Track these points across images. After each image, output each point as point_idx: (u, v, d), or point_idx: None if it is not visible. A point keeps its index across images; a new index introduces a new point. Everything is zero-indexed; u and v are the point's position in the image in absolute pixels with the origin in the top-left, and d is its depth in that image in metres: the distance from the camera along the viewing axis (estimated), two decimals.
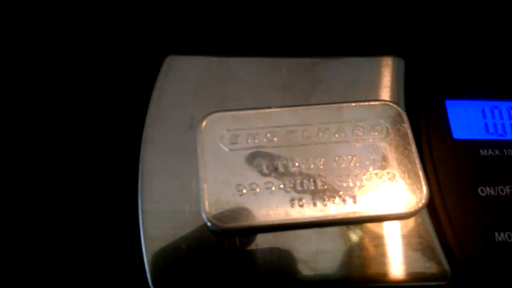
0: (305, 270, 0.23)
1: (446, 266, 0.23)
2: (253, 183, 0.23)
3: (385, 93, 0.28)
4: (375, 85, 0.28)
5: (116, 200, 0.25)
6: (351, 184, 0.23)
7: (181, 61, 0.27)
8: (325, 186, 0.23)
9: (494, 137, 0.28)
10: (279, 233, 0.23)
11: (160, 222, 0.23)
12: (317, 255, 0.23)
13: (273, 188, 0.23)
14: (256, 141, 0.24)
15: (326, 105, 0.26)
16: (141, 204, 0.23)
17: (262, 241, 0.23)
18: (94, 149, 0.27)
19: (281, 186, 0.23)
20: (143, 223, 0.23)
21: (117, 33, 0.31)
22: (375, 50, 0.31)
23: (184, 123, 0.25)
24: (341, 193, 0.23)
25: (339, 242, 0.23)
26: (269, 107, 0.25)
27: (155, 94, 0.26)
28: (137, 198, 0.24)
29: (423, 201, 0.23)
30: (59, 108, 0.28)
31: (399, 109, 0.26)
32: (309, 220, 0.22)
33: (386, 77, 0.29)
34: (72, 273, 0.24)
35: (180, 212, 0.23)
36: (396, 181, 0.24)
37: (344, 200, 0.23)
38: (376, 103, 0.26)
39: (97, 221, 0.25)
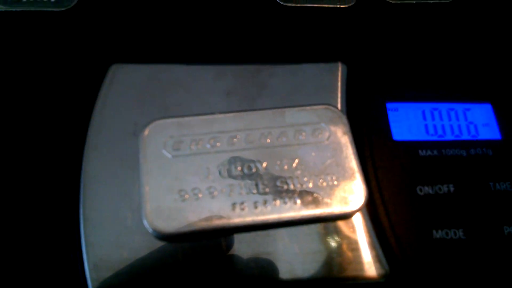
0: (247, 272, 0.23)
1: (385, 264, 0.24)
2: (196, 188, 0.23)
3: (327, 98, 0.29)
4: (318, 90, 0.29)
5: (58, 207, 0.25)
6: (291, 187, 0.24)
7: (125, 69, 0.28)
8: (267, 189, 0.24)
9: (434, 138, 0.29)
10: (220, 237, 0.23)
11: (102, 229, 0.23)
12: (258, 257, 0.23)
13: (215, 193, 0.23)
14: (199, 146, 0.24)
15: (268, 110, 0.26)
16: (83, 211, 0.23)
17: (204, 246, 0.23)
18: (36, 155, 0.27)
19: (223, 190, 0.23)
20: (84, 230, 0.23)
21: (61, 42, 0.31)
22: (318, 56, 0.31)
23: (127, 130, 0.26)
24: (282, 195, 0.24)
25: (280, 243, 0.24)
26: (213, 113, 0.26)
27: (99, 102, 0.26)
28: (79, 205, 0.23)
29: (362, 200, 0.24)
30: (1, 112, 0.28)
31: (339, 112, 0.27)
32: (250, 223, 0.23)
33: (328, 82, 0.29)
34: (13, 282, 0.23)
35: (122, 219, 0.23)
36: (336, 182, 0.24)
37: (285, 202, 0.23)
38: (317, 107, 0.27)
39: (38, 228, 0.25)
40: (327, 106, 0.27)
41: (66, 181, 0.25)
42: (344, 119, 0.27)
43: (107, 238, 0.23)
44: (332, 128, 0.26)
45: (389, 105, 0.29)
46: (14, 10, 0.33)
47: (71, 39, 0.32)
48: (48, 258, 0.24)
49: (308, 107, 0.27)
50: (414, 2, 0.36)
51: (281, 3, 0.34)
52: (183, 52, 0.31)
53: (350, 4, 0.35)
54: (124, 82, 0.27)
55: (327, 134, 0.26)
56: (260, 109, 0.26)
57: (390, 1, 0.36)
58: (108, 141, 0.25)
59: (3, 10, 0.33)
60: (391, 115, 0.29)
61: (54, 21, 0.33)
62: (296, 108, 0.27)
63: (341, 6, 0.35)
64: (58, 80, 0.29)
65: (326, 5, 0.35)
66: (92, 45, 0.31)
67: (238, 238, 0.24)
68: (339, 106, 0.28)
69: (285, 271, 0.23)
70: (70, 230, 0.24)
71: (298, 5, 0.35)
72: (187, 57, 0.30)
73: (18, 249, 0.24)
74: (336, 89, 0.29)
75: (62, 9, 0.33)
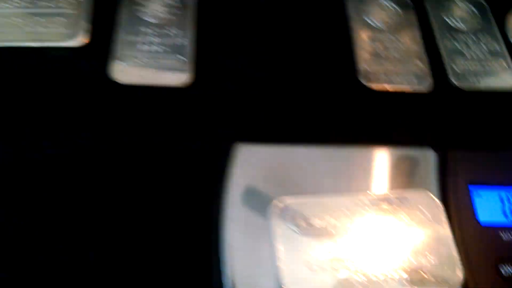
0: None
1: None
2: (322, 262, 0.28)
3: (421, 182, 0.33)
4: (411, 174, 0.33)
5: (201, 274, 0.29)
6: (401, 270, 0.28)
7: (251, 149, 0.32)
8: (379, 270, 0.28)
9: None
10: None
11: None
12: None
13: (339, 268, 0.28)
14: (324, 224, 0.29)
15: (376, 194, 0.31)
16: (227, 272, 0.28)
17: None
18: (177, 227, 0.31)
19: (346, 266, 0.28)
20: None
21: (189, 122, 0.36)
22: (410, 141, 0.36)
23: (258, 206, 0.30)
24: (391, 275, 0.28)
25: None
26: (332, 194, 0.30)
27: (234, 178, 0.31)
28: (220, 272, 0.28)
29: (460, 279, 0.28)
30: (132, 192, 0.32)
31: (434, 197, 0.31)
32: None
33: (419, 166, 0.34)
34: None
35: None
36: (435, 265, 0.29)
37: (393, 279, 0.28)
38: (415, 192, 0.31)
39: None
40: (424, 191, 0.31)
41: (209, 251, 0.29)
42: (439, 203, 0.31)
43: None
44: (429, 212, 0.30)
45: (474, 190, 0.33)
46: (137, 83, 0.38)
47: (192, 116, 0.37)
48: None
49: (406, 193, 0.31)
50: (485, 90, 0.41)
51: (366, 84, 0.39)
52: (298, 134, 0.35)
53: (429, 90, 0.40)
54: (251, 161, 0.32)
55: (425, 218, 0.30)
56: (368, 192, 0.31)
57: (464, 89, 0.40)
58: (244, 214, 0.30)
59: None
60: (476, 200, 0.33)
61: (175, 96, 0.38)
62: (396, 193, 0.31)
63: (420, 92, 0.40)
64: (186, 156, 0.34)
65: (406, 90, 0.40)
66: (217, 125, 0.35)
67: None
68: (431, 190, 0.32)
69: None
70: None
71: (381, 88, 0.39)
72: (301, 138, 0.35)
73: None
74: (425, 173, 0.33)
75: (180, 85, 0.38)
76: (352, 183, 0.32)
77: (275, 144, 0.33)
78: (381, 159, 0.34)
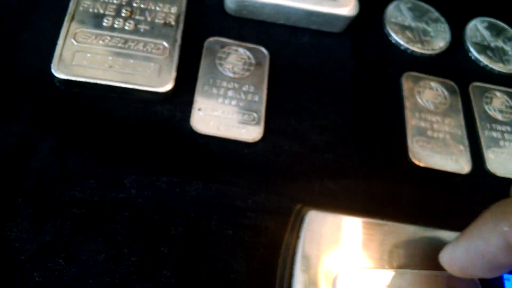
0: None
1: None
2: None
3: None
4: None
5: None
6: None
7: (319, 216, 0.36)
8: None
9: None
10: None
11: None
12: None
13: None
14: None
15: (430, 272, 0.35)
16: None
17: None
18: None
19: None
20: None
21: (256, 177, 0.39)
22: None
23: (325, 274, 0.33)
24: None
25: None
26: (397, 268, 0.34)
27: (302, 242, 0.34)
28: None
29: None
30: None
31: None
32: None
33: None
34: None
35: None
36: None
37: None
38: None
39: None
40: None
41: None
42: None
43: None
44: None
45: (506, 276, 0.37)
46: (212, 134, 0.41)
47: (259, 172, 0.40)
48: None
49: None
50: None
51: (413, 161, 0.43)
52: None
53: (468, 172, 0.44)
54: (318, 228, 0.35)
55: None
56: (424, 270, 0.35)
57: (497, 175, 0.45)
58: (313, 278, 0.33)
59: None
60: (507, 284, 0.37)
61: (245, 150, 0.41)
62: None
63: (460, 173, 0.44)
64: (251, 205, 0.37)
65: (448, 170, 0.44)
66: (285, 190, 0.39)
67: None
68: None
69: None
70: None
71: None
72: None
73: None
74: None
75: (249, 139, 0.41)
76: (416, 260, 0.35)
77: (342, 213, 0.36)
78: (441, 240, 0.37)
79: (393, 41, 0.50)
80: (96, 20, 0.41)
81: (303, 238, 0.34)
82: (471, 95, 0.48)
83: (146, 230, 0.35)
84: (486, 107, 0.48)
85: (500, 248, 0.28)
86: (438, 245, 0.36)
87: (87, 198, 0.35)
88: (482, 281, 0.37)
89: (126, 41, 0.40)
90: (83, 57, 0.39)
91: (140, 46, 0.40)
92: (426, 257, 0.36)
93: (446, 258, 0.32)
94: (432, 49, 0.50)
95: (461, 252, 0.31)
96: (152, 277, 0.33)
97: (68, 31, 0.39)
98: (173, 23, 0.42)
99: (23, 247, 0.33)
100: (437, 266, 0.36)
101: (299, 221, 0.36)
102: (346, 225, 0.36)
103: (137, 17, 0.42)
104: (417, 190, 0.41)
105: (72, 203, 0.34)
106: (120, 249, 0.34)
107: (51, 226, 0.34)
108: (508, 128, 0.47)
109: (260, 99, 0.42)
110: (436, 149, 0.44)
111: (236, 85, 0.42)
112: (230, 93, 0.42)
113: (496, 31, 0.53)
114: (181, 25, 0.42)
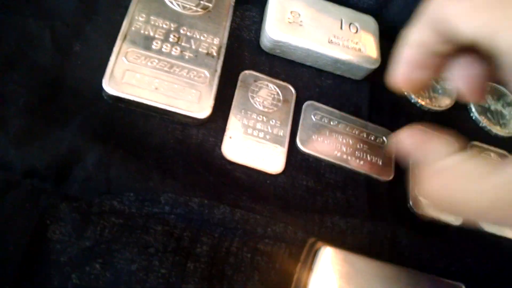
0: None
1: None
2: None
3: None
4: None
5: None
6: None
7: (332, 253, 0.40)
8: None
9: None
10: None
11: None
12: None
13: None
14: None
15: None
16: None
17: None
18: None
19: None
20: None
21: (277, 208, 0.43)
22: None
23: None
24: None
25: None
26: None
27: (314, 277, 0.38)
28: None
29: None
30: None
31: None
32: None
33: None
34: None
35: None
36: None
37: None
38: None
39: None
40: None
41: None
42: None
43: None
44: None
45: None
46: (240, 163, 0.44)
47: (279, 203, 0.44)
48: None
49: None
50: None
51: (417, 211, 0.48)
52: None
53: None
54: (331, 265, 0.39)
55: None
56: None
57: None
58: None
59: None
60: None
61: (267, 181, 0.44)
62: None
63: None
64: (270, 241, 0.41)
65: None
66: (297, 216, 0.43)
67: None
68: None
69: None
70: None
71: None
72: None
73: None
74: None
75: (272, 171, 0.45)
76: None
77: (354, 253, 0.40)
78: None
79: (405, 93, 0.54)
80: (147, 42, 0.44)
81: (316, 272, 0.38)
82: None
83: (175, 245, 0.38)
84: None
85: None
86: None
87: (125, 209, 0.38)
88: None
89: (172, 66, 0.43)
90: (133, 76, 0.42)
91: (184, 72, 0.44)
92: None
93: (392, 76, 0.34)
94: (439, 106, 0.54)
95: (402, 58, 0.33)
96: None
97: (120, 49, 0.42)
98: (214, 54, 0.46)
99: (64, 249, 0.36)
100: None
101: (312, 254, 0.40)
102: (358, 264, 0.40)
103: (183, 43, 0.45)
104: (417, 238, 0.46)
105: (112, 212, 0.38)
106: (151, 261, 0.37)
107: (91, 232, 0.37)
108: None
109: (285, 133, 0.46)
110: None
111: (265, 118, 0.46)
112: (258, 125, 0.45)
113: (497, 95, 0.58)
114: (221, 57, 0.46)
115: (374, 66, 0.50)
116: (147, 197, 0.39)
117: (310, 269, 0.39)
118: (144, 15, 0.45)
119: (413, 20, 0.32)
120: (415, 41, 0.32)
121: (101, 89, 0.41)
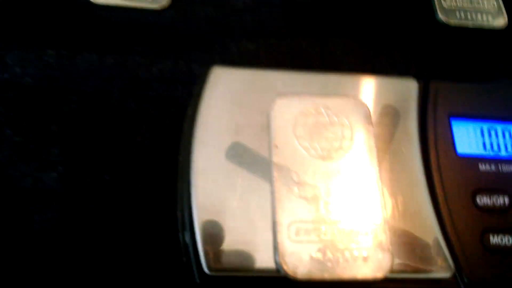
0: None
1: (450, 262, 0.28)
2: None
3: (401, 110, 0.32)
4: (393, 103, 0.32)
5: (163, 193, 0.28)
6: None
7: (225, 72, 0.31)
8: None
9: (492, 154, 0.33)
10: None
11: (212, 215, 0.27)
12: None
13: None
14: None
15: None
16: (193, 197, 0.27)
17: None
18: (138, 143, 0.30)
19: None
20: (197, 214, 0.27)
21: (164, 45, 0.35)
22: (393, 70, 0.35)
23: (230, 128, 0.29)
24: None
25: None
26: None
27: (204, 100, 0.30)
28: (189, 191, 0.27)
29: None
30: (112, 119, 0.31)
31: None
32: None
33: (402, 96, 0.33)
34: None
35: (229, 206, 0.27)
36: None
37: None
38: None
39: (145, 212, 0.28)
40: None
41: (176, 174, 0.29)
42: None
43: (218, 220, 0.26)
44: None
45: (454, 121, 0.33)
46: (112, 4, 0.36)
47: (167, 39, 0.35)
48: (160, 238, 0.27)
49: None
50: (471, 27, 0.40)
51: None
52: (274, 57, 0.34)
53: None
54: (224, 84, 0.30)
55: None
56: None
57: (451, 25, 0.39)
58: (214, 137, 0.29)
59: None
60: (455, 131, 0.32)
61: (150, 19, 0.36)
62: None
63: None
64: (157, 73, 0.33)
65: None
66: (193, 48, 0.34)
67: None
68: (409, 117, 0.32)
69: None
70: (182, 213, 0.27)
71: None
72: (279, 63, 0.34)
73: (129, 231, 0.28)
74: (407, 103, 0.33)
75: (156, 6, 0.36)
76: None
77: (252, 68, 0.31)
78: (362, 87, 0.33)
79: None
80: None
81: (205, 96, 0.30)
82: None
83: (33, 110, 0.31)
84: None
85: None
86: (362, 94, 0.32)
87: None
88: (430, 128, 0.32)
89: None
90: None
91: None
92: None
93: None
94: None
95: None
96: (38, 156, 0.30)
97: None
98: None
99: None
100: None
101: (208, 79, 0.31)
102: (256, 79, 0.31)
103: None
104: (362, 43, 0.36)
105: None
106: (1, 131, 0.30)
107: None
108: None
109: None
110: None
111: None
112: None
113: None
114: None
115: None
116: None
117: (199, 95, 0.30)
118: None
119: None
120: None
121: None
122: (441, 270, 0.28)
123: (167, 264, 0.27)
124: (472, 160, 0.32)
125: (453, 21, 0.40)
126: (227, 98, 0.30)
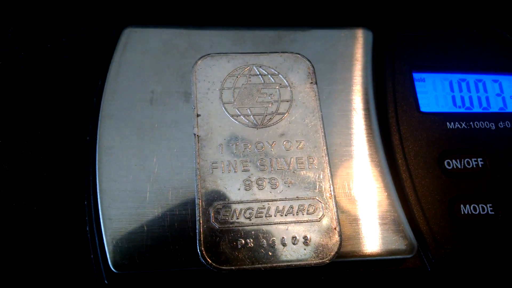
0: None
1: (413, 240, 0.23)
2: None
3: (353, 65, 0.27)
4: (343, 57, 0.27)
5: (71, 180, 0.24)
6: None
7: (139, 33, 0.26)
8: None
9: (462, 110, 0.28)
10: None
11: (119, 202, 0.22)
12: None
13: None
14: None
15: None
16: (99, 184, 0.22)
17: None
18: (47, 125, 0.26)
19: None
20: (101, 202, 0.22)
21: (72, 5, 0.30)
22: (343, 21, 0.30)
23: (143, 98, 0.24)
24: None
25: None
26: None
27: (113, 68, 0.25)
28: (95, 177, 0.23)
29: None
30: (13, 81, 0.27)
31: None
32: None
33: (354, 49, 0.28)
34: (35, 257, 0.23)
35: (140, 190, 0.22)
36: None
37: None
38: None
39: (55, 202, 0.24)
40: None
41: (81, 151, 0.24)
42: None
43: (126, 211, 0.22)
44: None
45: (416, 75, 0.28)
46: None
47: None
48: (65, 232, 0.23)
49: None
50: None
51: None
52: (199, 13, 0.29)
53: None
54: (138, 47, 0.26)
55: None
56: None
57: None
58: (124, 109, 0.24)
59: None
60: (418, 86, 0.28)
61: None
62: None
63: None
64: (70, 44, 0.28)
65: None
66: (105, 7, 0.29)
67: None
68: (364, 74, 0.27)
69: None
70: (88, 202, 0.23)
71: None
72: (203, 19, 0.29)
73: (34, 223, 0.23)
74: (361, 57, 0.28)
75: None
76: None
77: (172, 27, 0.27)
78: (306, 42, 0.28)
79: None
80: None
81: (114, 62, 0.25)
82: None
83: None
84: None
85: None
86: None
87: None
88: (389, 84, 0.27)
89: None
90: None
91: None
92: None
93: None
94: None
95: None
96: None
97: None
98: None
99: None
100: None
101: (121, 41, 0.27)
102: (176, 39, 0.26)
103: None
104: None
105: None
106: None
107: None
108: None
109: None
110: None
111: None
112: None
113: None
114: None
115: None
116: None
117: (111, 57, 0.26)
118: None
119: None
120: None
121: None
122: (403, 249, 0.23)
123: (75, 263, 0.23)
124: (438, 118, 0.27)
125: None
126: (141, 63, 0.25)
